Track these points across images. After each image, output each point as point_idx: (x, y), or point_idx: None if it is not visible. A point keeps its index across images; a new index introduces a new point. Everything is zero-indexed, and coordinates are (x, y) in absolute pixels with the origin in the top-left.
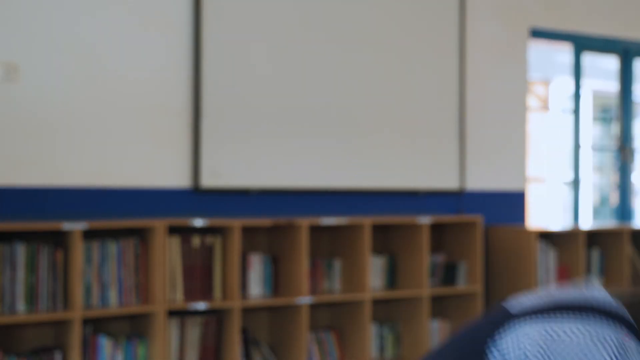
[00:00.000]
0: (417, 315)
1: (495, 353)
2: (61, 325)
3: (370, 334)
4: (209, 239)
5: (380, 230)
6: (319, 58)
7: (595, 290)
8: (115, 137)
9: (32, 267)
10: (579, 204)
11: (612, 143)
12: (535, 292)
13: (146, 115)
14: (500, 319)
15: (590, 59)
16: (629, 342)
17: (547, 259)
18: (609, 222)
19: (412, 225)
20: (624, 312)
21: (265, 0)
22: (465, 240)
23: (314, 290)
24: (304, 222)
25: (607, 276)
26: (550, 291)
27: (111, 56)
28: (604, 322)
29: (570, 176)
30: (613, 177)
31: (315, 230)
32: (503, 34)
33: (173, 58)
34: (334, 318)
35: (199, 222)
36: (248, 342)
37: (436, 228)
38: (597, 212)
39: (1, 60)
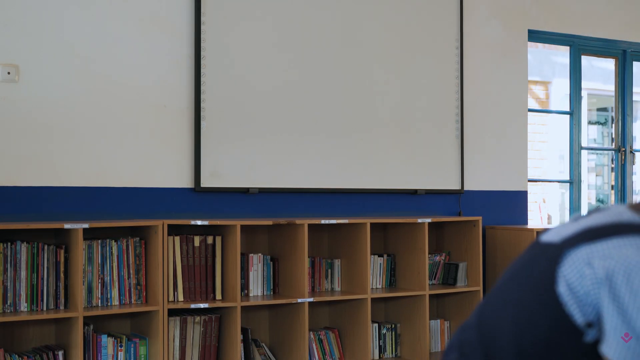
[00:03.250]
0: (417, 315)
1: (562, 283)
2: (63, 324)
3: (370, 334)
4: (209, 239)
5: (380, 230)
6: (318, 59)
7: (621, 213)
8: (116, 138)
9: (34, 266)
10: (578, 204)
11: (610, 144)
12: (565, 223)
13: (147, 115)
14: (551, 252)
15: (588, 61)
16: None
17: None
18: None
19: (412, 225)
20: None
21: (264, 2)
22: (465, 240)
23: (314, 290)
24: (304, 222)
25: None
26: (580, 220)
27: (112, 58)
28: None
29: (568, 176)
30: (610, 178)
31: (315, 230)
32: (502, 35)
33: (174, 59)
34: (334, 318)
35: (199, 222)
36: (248, 342)
37: (436, 228)
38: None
39: (4, 61)
